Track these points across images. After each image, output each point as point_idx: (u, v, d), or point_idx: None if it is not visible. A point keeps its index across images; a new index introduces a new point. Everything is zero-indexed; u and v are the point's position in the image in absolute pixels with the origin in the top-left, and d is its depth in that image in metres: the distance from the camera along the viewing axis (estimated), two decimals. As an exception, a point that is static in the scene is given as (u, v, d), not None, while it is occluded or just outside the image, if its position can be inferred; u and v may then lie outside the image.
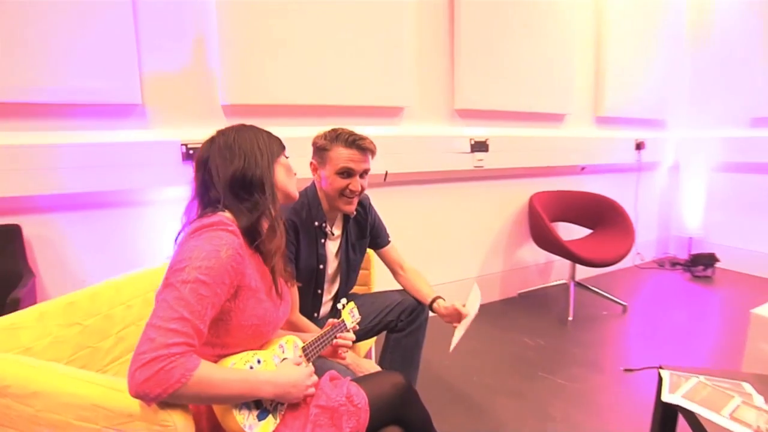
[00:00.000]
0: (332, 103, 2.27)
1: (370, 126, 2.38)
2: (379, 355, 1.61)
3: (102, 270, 1.88)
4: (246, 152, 0.92)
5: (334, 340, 1.12)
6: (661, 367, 1.24)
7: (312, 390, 0.95)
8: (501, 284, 3.02)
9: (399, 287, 1.61)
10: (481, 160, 2.65)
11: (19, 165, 1.74)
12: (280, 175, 0.97)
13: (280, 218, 0.96)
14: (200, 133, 2.00)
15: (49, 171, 1.78)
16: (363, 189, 1.39)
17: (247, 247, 0.90)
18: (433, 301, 1.50)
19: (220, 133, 0.97)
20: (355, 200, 1.40)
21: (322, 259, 1.45)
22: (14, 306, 1.42)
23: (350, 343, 1.14)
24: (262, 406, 0.88)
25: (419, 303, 1.52)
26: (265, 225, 0.93)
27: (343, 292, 1.57)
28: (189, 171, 1.93)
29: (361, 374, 1.35)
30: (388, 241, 1.64)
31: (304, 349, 1.04)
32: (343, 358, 1.16)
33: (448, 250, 2.78)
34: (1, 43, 1.67)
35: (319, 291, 1.48)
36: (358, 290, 1.84)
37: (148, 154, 1.90)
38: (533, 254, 3.11)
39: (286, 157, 1.01)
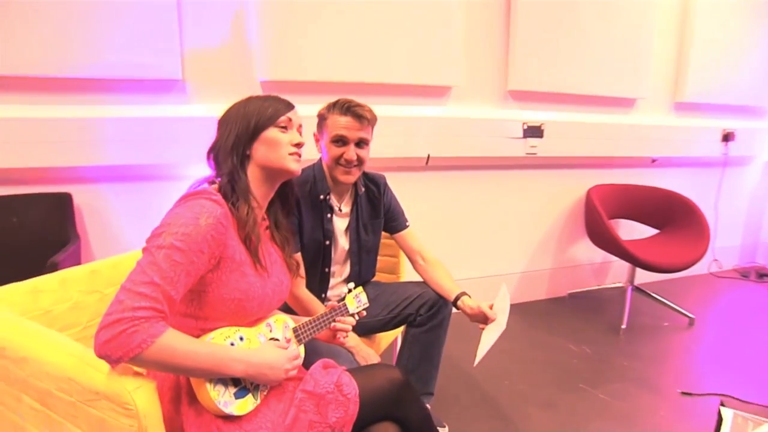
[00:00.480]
0: (374, 81, 2.17)
1: (413, 106, 2.27)
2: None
3: (142, 240, 1.97)
4: (227, 123, 0.93)
5: (333, 324, 1.07)
6: (722, 403, 1.04)
7: (293, 373, 0.91)
8: (549, 282, 2.79)
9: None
10: (534, 146, 2.43)
11: (70, 137, 1.83)
12: (258, 151, 0.92)
13: (250, 194, 0.92)
14: (237, 110, 2.02)
15: (96, 144, 1.86)
16: (362, 160, 1.33)
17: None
18: (458, 297, 1.38)
19: None
20: (354, 171, 1.33)
21: (329, 234, 1.40)
22: (52, 269, 1.50)
23: (349, 328, 1.09)
24: (240, 384, 0.85)
25: (440, 298, 1.41)
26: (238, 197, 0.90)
27: (357, 276, 1.50)
28: None
29: (363, 361, 1.30)
30: (406, 226, 1.54)
31: (295, 330, 1.01)
32: (342, 343, 1.11)
33: (491, 243, 2.61)
34: (50, 20, 1.74)
35: (327, 269, 1.43)
36: (386, 278, 1.77)
37: (188, 130, 1.92)
38: (588, 252, 2.84)
39: (282, 129, 0.94)
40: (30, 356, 0.83)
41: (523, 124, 2.39)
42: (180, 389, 0.85)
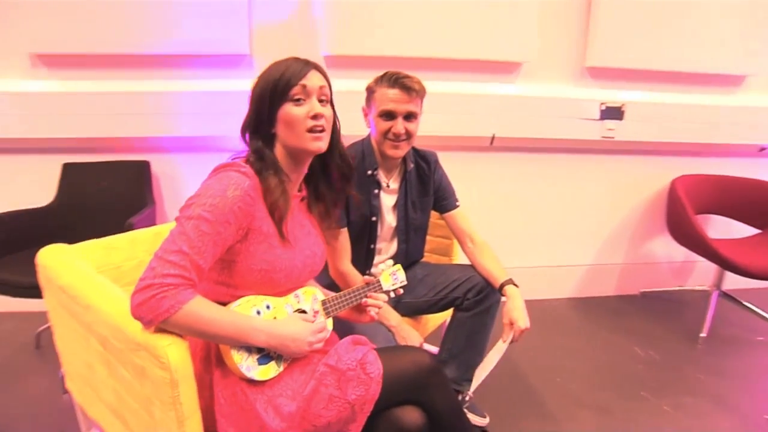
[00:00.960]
0: (438, 56, 2.09)
1: (479, 83, 2.15)
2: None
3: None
4: (251, 101, 0.91)
5: (364, 300, 1.05)
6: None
7: (317, 346, 0.90)
8: (620, 278, 2.57)
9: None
10: (611, 129, 2.21)
11: (149, 110, 1.98)
12: (280, 130, 0.90)
13: (278, 171, 0.90)
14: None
15: (172, 116, 2.00)
16: (411, 133, 1.28)
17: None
18: (504, 284, 1.31)
19: None
20: (403, 145, 1.29)
21: (376, 210, 1.38)
22: (128, 229, 1.65)
23: (381, 305, 1.07)
24: (263, 351, 0.86)
25: (489, 284, 1.34)
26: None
27: (404, 254, 1.47)
28: None
29: (403, 342, 1.28)
30: (456, 206, 1.48)
31: (324, 302, 1.00)
32: (372, 319, 1.08)
33: (556, 231, 2.45)
34: (129, 1, 1.87)
35: (372, 246, 1.41)
36: (438, 260, 1.73)
37: (252, 104, 2.00)
38: (667, 249, 2.56)
39: (296, 102, 0.88)
40: (93, 305, 0.92)
41: (601, 104, 2.17)
42: (210, 350, 0.89)
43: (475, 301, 1.36)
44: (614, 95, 2.22)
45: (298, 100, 0.87)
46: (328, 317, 1.00)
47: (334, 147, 0.98)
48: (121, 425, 1.03)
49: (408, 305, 1.47)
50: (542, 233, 2.44)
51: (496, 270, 1.35)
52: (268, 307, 0.90)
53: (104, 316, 0.88)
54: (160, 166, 2.12)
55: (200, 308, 0.76)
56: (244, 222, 0.83)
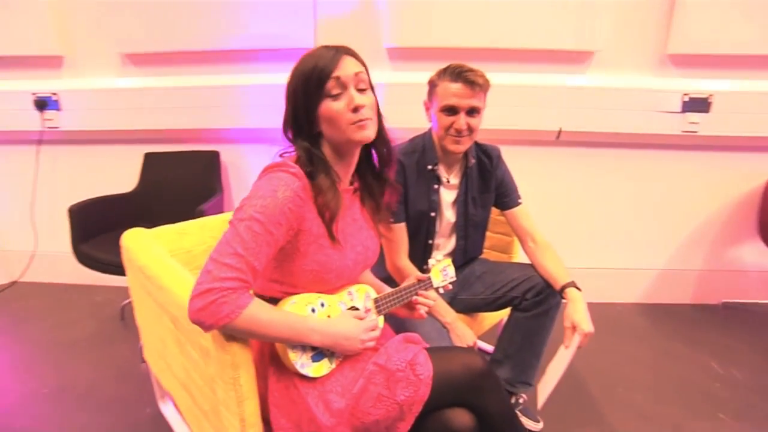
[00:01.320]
0: (503, 47, 2.02)
1: (546, 74, 2.05)
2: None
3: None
4: (287, 100, 0.88)
5: (414, 297, 1.04)
6: None
7: (370, 344, 0.91)
8: (698, 286, 2.36)
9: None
10: (695, 123, 2.02)
11: (218, 102, 2.10)
12: (323, 128, 0.87)
13: (328, 171, 0.87)
14: (362, 77, 2.07)
15: (240, 108, 2.11)
16: (473, 129, 1.24)
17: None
18: (565, 287, 1.25)
19: None
20: (465, 141, 1.25)
21: (434, 205, 1.36)
22: (199, 215, 1.77)
23: (431, 303, 1.05)
24: (317, 348, 0.88)
25: (550, 285, 1.29)
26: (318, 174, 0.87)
27: (462, 251, 1.45)
28: None
29: (457, 340, 1.26)
30: (518, 203, 1.42)
31: (376, 300, 1.00)
32: (422, 317, 1.06)
33: (627, 231, 2.29)
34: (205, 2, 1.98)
35: (430, 241, 1.40)
36: (497, 257, 1.69)
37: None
38: (758, 257, 2.30)
39: (334, 97, 0.83)
40: (165, 286, 0.99)
41: (684, 95, 1.98)
42: (265, 344, 0.93)
43: (534, 302, 1.31)
44: (699, 85, 2.01)
45: (335, 95, 0.83)
46: (380, 315, 1.00)
47: (380, 134, 0.93)
48: (189, 399, 1.12)
49: (464, 302, 1.45)
50: (611, 233, 2.29)
51: (557, 271, 1.29)
52: (322, 304, 0.92)
53: (175, 298, 0.95)
54: (229, 155, 2.25)
55: (258, 312, 0.77)
56: (294, 223, 0.83)
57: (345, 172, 0.94)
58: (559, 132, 2.06)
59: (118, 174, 2.25)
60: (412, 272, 1.32)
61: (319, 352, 0.88)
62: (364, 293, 1.00)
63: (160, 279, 1.03)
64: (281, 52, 2.08)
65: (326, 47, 0.86)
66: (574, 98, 2.03)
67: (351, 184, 0.98)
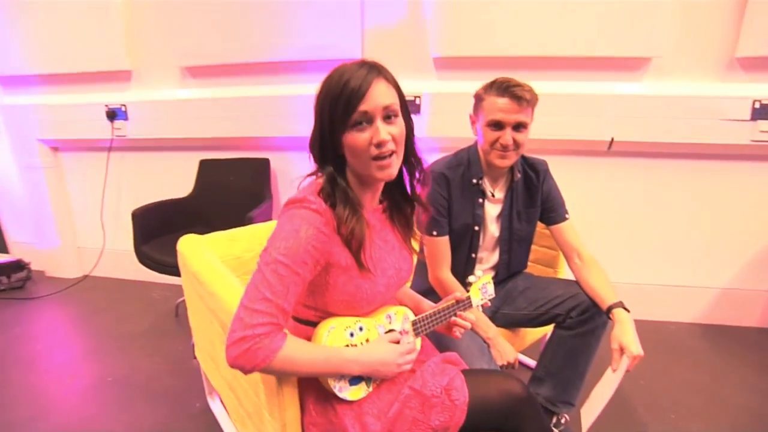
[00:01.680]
0: (552, 55, 1.96)
1: (598, 81, 1.97)
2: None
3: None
4: (315, 119, 0.84)
5: (453, 318, 1.02)
6: None
7: (407, 367, 0.90)
8: (766, 308, 2.17)
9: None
10: (766, 131, 1.87)
11: (269, 112, 2.19)
12: (347, 155, 0.83)
13: (349, 201, 0.84)
14: (409, 86, 2.09)
15: (288, 118, 2.19)
16: (519, 144, 1.22)
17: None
18: (612, 307, 1.19)
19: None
20: (511, 156, 1.24)
21: (479, 219, 1.35)
22: (248, 222, 1.86)
23: (468, 325, 1.02)
24: None
25: (596, 304, 1.24)
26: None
27: (506, 265, 1.43)
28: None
29: (498, 356, 1.23)
30: (565, 218, 1.38)
31: (414, 323, 0.99)
32: (458, 337, 1.04)
33: (684, 246, 2.15)
34: (252, 15, 2.09)
35: (473, 255, 1.39)
36: (542, 272, 1.65)
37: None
38: (840, 279, 2.09)
39: (358, 129, 0.80)
40: (216, 293, 1.05)
41: (754, 101, 1.84)
42: None
43: (578, 320, 1.27)
44: (774, 91, 1.86)
45: (360, 124, 0.80)
46: (417, 337, 0.99)
47: (411, 159, 0.90)
48: (234, 399, 1.18)
49: (506, 317, 1.42)
50: (667, 248, 2.16)
51: (604, 290, 1.24)
52: (360, 329, 0.92)
53: (224, 304, 1.00)
54: (278, 163, 2.34)
55: (294, 352, 0.78)
56: (321, 258, 0.82)
57: (371, 197, 0.93)
58: (611, 141, 1.97)
59: (176, 179, 2.40)
60: (454, 285, 1.32)
61: (356, 376, 0.89)
62: (403, 315, 1.00)
63: (211, 285, 1.09)
64: (329, 63, 2.13)
65: (359, 64, 0.82)
66: (628, 106, 1.94)
67: (380, 202, 0.96)
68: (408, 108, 0.87)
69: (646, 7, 1.83)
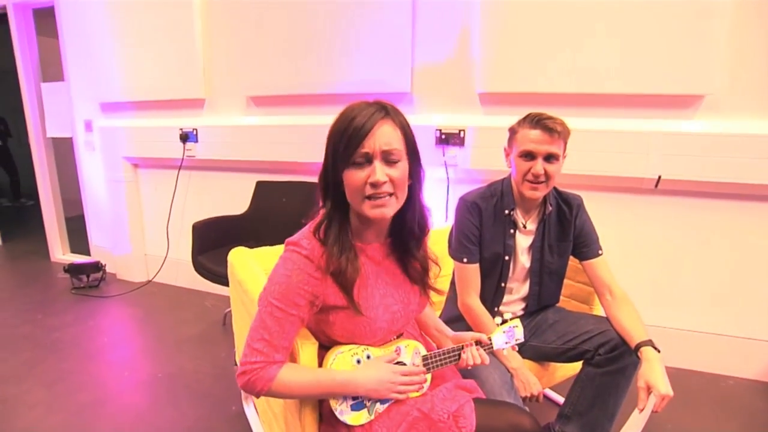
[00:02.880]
0: (599, 92, 1.97)
1: (648, 119, 1.94)
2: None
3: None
4: (326, 147, 0.85)
5: (463, 356, 1.01)
6: None
7: (405, 389, 0.91)
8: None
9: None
10: (835, 176, 1.74)
11: (321, 140, 2.31)
12: (346, 190, 0.84)
13: (341, 242, 0.85)
14: (454, 119, 2.18)
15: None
16: (550, 176, 1.25)
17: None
18: (640, 345, 1.17)
19: None
20: (542, 187, 1.26)
21: (509, 250, 1.37)
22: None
23: (479, 361, 1.00)
24: (358, 398, 0.91)
25: (626, 344, 1.22)
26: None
27: (536, 297, 1.43)
28: (440, 154, 2.18)
29: (522, 387, 1.23)
30: (598, 254, 1.37)
31: (424, 358, 0.99)
32: (467, 366, 1.03)
33: (738, 293, 2.01)
34: (311, 50, 2.28)
35: (503, 284, 1.40)
36: (576, 307, 1.62)
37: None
38: None
39: (358, 166, 0.80)
40: (256, 300, 1.16)
41: (821, 144, 1.73)
42: None
43: (607, 358, 1.25)
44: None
45: (359, 163, 0.80)
46: (428, 372, 0.98)
47: (410, 205, 0.89)
48: (265, 403, 1.27)
49: (534, 349, 1.42)
50: (723, 295, 2.02)
51: (634, 327, 1.21)
52: (368, 356, 0.94)
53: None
54: (326, 187, 2.48)
55: (289, 377, 0.85)
56: (316, 300, 0.86)
57: (376, 233, 0.93)
58: (659, 179, 1.92)
59: (235, 197, 2.62)
60: (481, 313, 1.34)
61: (359, 402, 0.91)
62: (414, 349, 1.00)
63: (253, 293, 1.20)
64: (380, 96, 2.28)
65: (370, 103, 0.83)
66: (678, 144, 1.88)
67: (388, 237, 0.95)
68: (418, 154, 0.87)
69: (699, 43, 1.80)
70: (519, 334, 1.09)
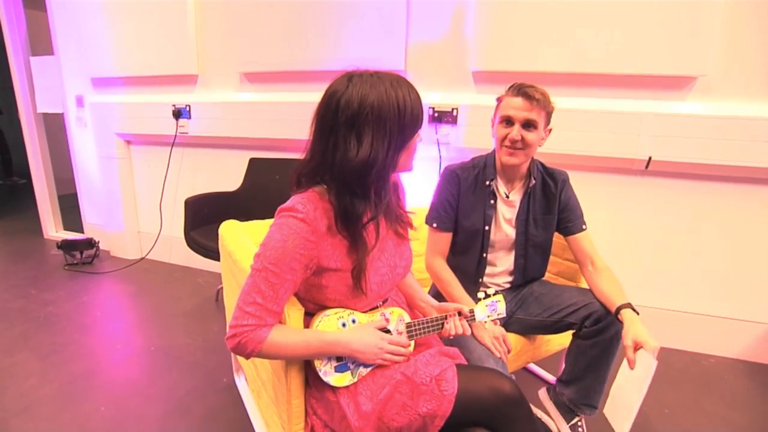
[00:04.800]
0: (592, 72, 1.96)
1: (639, 100, 1.95)
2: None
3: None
4: (376, 139, 0.83)
5: (446, 326, 1.04)
6: None
7: (391, 357, 0.95)
8: (823, 350, 2.01)
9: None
10: (823, 159, 1.76)
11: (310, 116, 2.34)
12: (401, 157, 0.89)
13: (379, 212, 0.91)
14: (447, 97, 2.17)
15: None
16: (528, 143, 1.27)
17: (328, 229, 0.89)
18: (620, 308, 1.20)
19: (357, 87, 0.87)
20: (519, 154, 1.29)
21: (488, 220, 1.39)
22: (286, 215, 2.00)
23: (461, 331, 1.04)
24: (342, 360, 0.94)
25: (609, 313, 1.24)
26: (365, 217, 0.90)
27: (522, 270, 1.46)
28: (432, 132, 2.18)
29: (497, 352, 1.22)
30: (582, 229, 1.40)
31: (408, 325, 1.02)
32: (449, 336, 1.06)
33: (729, 276, 2.04)
34: (304, 27, 2.25)
35: (484, 255, 1.43)
36: (565, 284, 1.64)
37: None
38: None
39: (420, 139, 0.91)
40: (245, 269, 1.16)
41: (811, 127, 1.74)
42: None
43: (593, 330, 1.27)
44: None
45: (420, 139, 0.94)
46: (411, 339, 1.01)
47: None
48: (254, 370, 1.29)
49: (520, 322, 1.44)
50: (709, 277, 2.06)
51: (614, 294, 1.24)
52: (353, 321, 0.97)
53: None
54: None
55: (278, 338, 0.87)
56: (311, 262, 0.88)
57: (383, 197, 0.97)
58: (649, 160, 1.93)
59: (228, 174, 2.62)
60: (445, 275, 1.37)
61: (343, 363, 0.94)
62: (398, 316, 1.02)
63: (242, 263, 1.21)
64: (373, 74, 2.27)
65: (417, 97, 0.90)
66: (670, 126, 1.89)
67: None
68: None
69: (693, 25, 1.80)
70: (501, 308, 1.11)
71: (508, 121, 1.28)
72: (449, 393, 0.88)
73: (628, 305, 1.19)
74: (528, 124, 1.26)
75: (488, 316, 1.10)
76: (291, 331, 0.91)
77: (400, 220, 1.04)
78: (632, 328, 1.11)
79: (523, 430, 0.91)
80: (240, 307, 0.86)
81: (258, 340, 0.86)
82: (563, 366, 1.41)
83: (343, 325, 0.96)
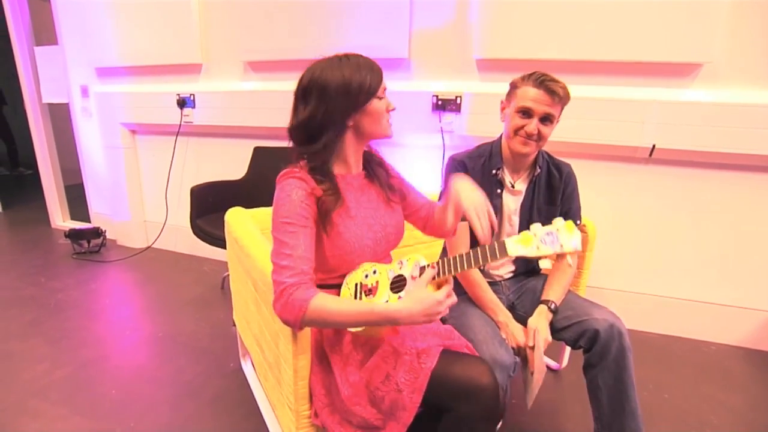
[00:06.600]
0: (596, 59, 1.95)
1: (644, 87, 1.94)
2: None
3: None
4: (325, 97, 0.95)
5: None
6: None
7: (441, 308, 0.87)
8: (824, 338, 2.02)
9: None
10: (828, 147, 1.75)
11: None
12: (361, 121, 0.97)
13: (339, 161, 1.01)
14: (451, 85, 2.17)
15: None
16: (543, 136, 1.27)
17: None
18: (543, 302, 1.30)
19: (314, 67, 1.01)
20: (532, 145, 1.28)
21: (495, 209, 1.38)
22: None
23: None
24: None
25: (609, 326, 1.21)
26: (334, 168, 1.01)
27: (524, 260, 1.44)
28: (436, 120, 2.18)
29: (508, 335, 1.25)
30: (577, 223, 1.41)
31: (436, 264, 0.96)
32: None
33: (731, 264, 2.05)
34: (309, 15, 2.25)
35: None
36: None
37: (408, 103, 2.18)
38: None
39: (380, 98, 0.97)
40: (251, 254, 1.20)
41: (817, 114, 1.73)
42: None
43: (594, 354, 1.23)
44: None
45: (380, 96, 1.00)
46: (446, 275, 0.95)
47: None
48: (260, 353, 1.32)
49: (520, 317, 1.39)
50: (710, 264, 2.07)
51: (554, 288, 1.33)
52: (374, 272, 1.01)
53: (257, 264, 1.14)
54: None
55: (325, 303, 0.87)
56: (314, 214, 0.95)
57: (358, 161, 1.06)
58: (653, 148, 1.93)
59: (233, 163, 2.63)
60: (473, 272, 1.34)
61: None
62: (414, 262, 1.00)
63: (248, 248, 1.24)
64: (378, 62, 2.26)
65: (369, 65, 1.00)
66: (674, 113, 1.88)
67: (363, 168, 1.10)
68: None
69: (698, 11, 1.78)
70: (564, 239, 0.89)
71: (526, 113, 1.25)
72: (427, 367, 0.91)
73: (552, 303, 1.29)
74: (545, 118, 1.25)
75: (520, 252, 0.91)
76: (338, 299, 0.94)
77: (390, 190, 1.12)
78: (536, 319, 1.27)
79: (483, 414, 0.90)
80: (275, 264, 0.90)
81: (304, 299, 0.85)
82: (593, 418, 1.30)
83: (366, 276, 1.01)
